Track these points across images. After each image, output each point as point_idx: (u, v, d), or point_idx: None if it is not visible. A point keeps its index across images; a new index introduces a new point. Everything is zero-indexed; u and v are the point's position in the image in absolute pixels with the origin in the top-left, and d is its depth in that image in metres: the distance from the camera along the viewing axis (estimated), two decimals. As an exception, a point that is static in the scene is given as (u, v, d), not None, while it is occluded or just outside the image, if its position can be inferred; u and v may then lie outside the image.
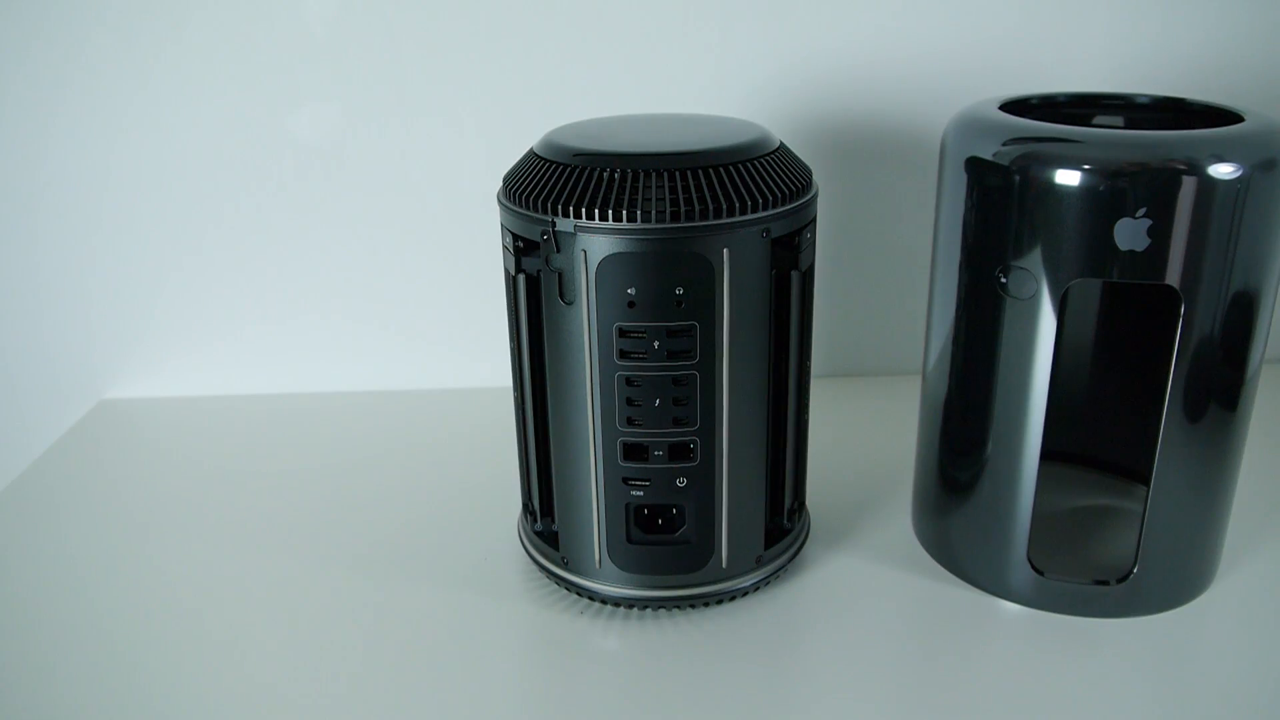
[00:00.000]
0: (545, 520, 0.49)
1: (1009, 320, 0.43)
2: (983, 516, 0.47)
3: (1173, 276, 0.41)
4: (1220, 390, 0.43)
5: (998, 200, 0.43)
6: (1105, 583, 0.46)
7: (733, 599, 0.48)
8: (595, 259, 0.41)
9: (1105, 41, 0.64)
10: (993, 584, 0.47)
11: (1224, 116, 0.45)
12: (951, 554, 0.49)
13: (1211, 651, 0.44)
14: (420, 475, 0.60)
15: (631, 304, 0.41)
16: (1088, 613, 0.46)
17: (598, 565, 0.46)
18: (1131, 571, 0.45)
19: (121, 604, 0.49)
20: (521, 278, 0.44)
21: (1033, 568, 0.46)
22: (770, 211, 0.42)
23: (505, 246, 0.45)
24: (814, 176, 0.46)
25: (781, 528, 0.49)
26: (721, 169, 0.42)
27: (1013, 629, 0.46)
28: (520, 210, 0.43)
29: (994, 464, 0.46)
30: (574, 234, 0.41)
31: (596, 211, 0.41)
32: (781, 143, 0.46)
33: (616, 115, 0.50)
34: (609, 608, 0.48)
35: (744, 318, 0.43)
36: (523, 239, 0.44)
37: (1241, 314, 0.42)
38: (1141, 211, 0.40)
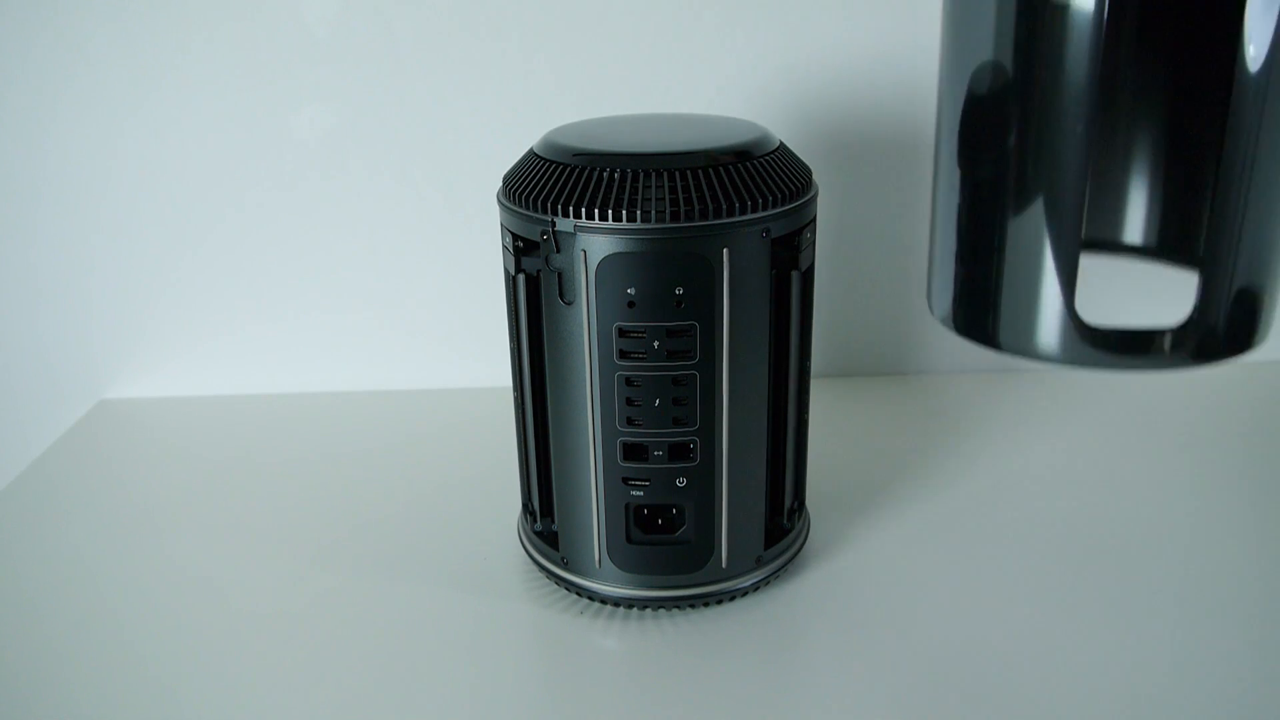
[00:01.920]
0: (545, 520, 0.49)
1: (1045, 23, 0.36)
2: (1020, 260, 0.39)
3: None
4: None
5: None
6: (1158, 335, 0.38)
7: (733, 599, 0.48)
8: (595, 259, 0.41)
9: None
10: (1026, 342, 0.40)
11: None
12: (976, 316, 0.41)
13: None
14: (420, 475, 0.60)
15: (631, 304, 0.41)
16: (1137, 366, 0.39)
17: (597, 565, 0.46)
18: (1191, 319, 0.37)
19: (121, 603, 0.49)
20: (521, 278, 0.44)
21: (1074, 316, 0.38)
22: (770, 211, 0.42)
23: (505, 246, 0.45)
24: (814, 176, 0.46)
25: (781, 528, 0.49)
26: (721, 169, 0.42)
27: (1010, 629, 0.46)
28: (520, 210, 0.43)
29: (1029, 192, 0.38)
30: (574, 234, 0.41)
31: (596, 211, 0.41)
32: (781, 143, 0.46)
33: (616, 115, 0.50)
34: (609, 608, 0.48)
35: (744, 318, 0.43)
36: (523, 239, 0.44)
37: None
38: None
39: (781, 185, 0.42)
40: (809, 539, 0.52)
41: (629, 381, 0.43)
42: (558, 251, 0.42)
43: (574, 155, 0.42)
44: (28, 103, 0.64)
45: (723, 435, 0.44)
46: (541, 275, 0.43)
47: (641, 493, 0.45)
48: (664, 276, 0.41)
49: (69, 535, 0.55)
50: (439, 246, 0.68)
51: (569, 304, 0.42)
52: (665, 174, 0.41)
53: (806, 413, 0.49)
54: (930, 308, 0.45)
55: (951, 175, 0.42)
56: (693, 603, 0.47)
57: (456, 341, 0.70)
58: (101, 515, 0.57)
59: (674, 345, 0.42)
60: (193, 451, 0.64)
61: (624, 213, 0.40)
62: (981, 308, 0.41)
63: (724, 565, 0.46)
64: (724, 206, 0.41)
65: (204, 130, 0.65)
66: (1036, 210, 0.38)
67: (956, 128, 0.40)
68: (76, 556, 0.53)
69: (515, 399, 0.48)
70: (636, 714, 0.42)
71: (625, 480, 0.45)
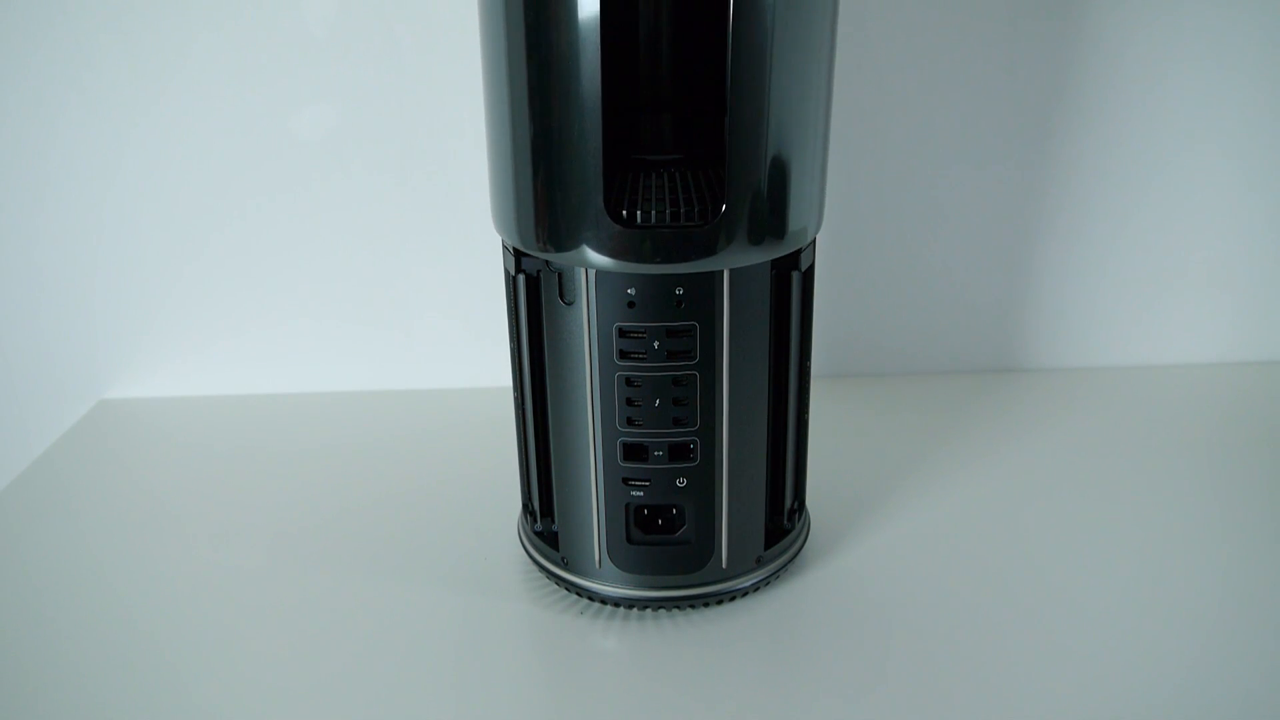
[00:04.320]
0: (545, 520, 0.49)
1: None
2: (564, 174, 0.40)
3: None
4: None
5: None
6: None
7: (733, 599, 0.48)
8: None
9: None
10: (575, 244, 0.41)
11: None
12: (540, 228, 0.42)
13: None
14: (420, 475, 0.60)
15: (631, 304, 0.41)
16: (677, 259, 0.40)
17: (597, 565, 0.46)
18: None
19: (122, 603, 0.49)
20: (521, 278, 0.44)
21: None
22: (770, 211, 0.42)
23: (505, 246, 0.45)
24: (814, 176, 0.46)
25: (781, 528, 0.49)
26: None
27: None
28: (520, 210, 0.43)
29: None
30: (574, 234, 0.41)
31: (596, 211, 0.40)
32: (781, 143, 0.46)
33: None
34: (609, 608, 0.48)
35: (744, 318, 0.43)
36: (523, 239, 0.43)
37: None
38: None
39: (781, 185, 0.42)
40: (809, 539, 0.52)
41: (629, 382, 0.43)
42: (558, 251, 0.42)
43: (574, 155, 0.42)
44: (29, 103, 0.64)
45: (723, 435, 0.44)
46: (541, 275, 0.43)
47: (641, 493, 0.45)
48: (664, 276, 0.41)
49: (69, 535, 0.55)
50: (439, 246, 0.68)
51: (569, 304, 0.42)
52: (665, 174, 0.41)
53: (807, 413, 0.49)
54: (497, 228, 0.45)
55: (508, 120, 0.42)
56: (693, 603, 0.47)
57: (456, 341, 0.70)
58: (102, 515, 0.57)
59: (674, 345, 0.42)
60: (193, 451, 0.64)
61: (624, 213, 0.40)
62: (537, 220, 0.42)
63: (724, 565, 0.46)
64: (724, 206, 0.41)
65: (204, 131, 0.65)
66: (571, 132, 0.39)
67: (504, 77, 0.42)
68: (77, 556, 0.53)
69: (515, 399, 0.48)
70: (636, 714, 0.42)
71: (625, 480, 0.45)
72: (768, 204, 0.41)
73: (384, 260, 0.68)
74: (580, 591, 0.48)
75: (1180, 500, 0.56)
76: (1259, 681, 0.43)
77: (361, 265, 0.68)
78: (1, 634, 0.47)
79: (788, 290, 0.44)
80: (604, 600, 0.47)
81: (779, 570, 0.49)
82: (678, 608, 0.47)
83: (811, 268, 0.46)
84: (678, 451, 0.44)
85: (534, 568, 0.50)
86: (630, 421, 0.44)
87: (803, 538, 0.51)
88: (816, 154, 0.42)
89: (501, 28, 0.40)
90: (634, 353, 0.42)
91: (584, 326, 0.42)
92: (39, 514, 0.57)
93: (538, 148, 0.40)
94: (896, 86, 0.64)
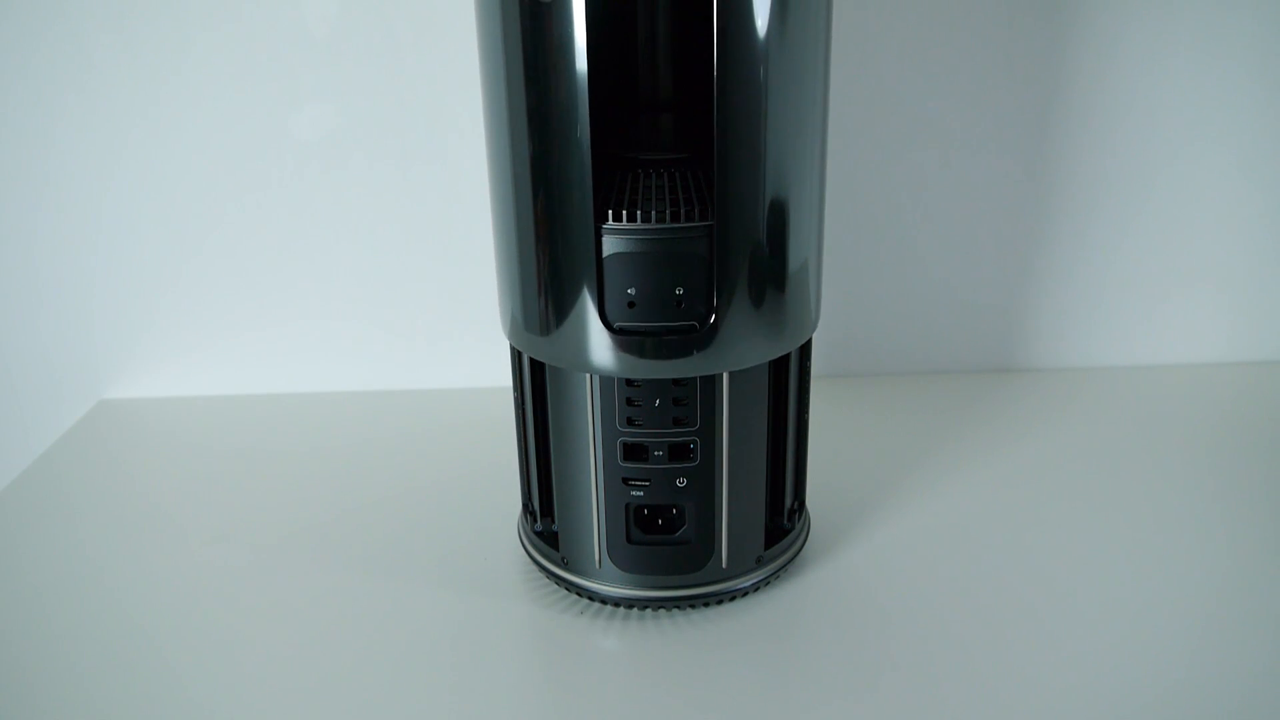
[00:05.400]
0: (545, 520, 0.49)
1: None
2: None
3: None
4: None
5: None
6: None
7: (733, 599, 0.48)
8: (595, 259, 0.41)
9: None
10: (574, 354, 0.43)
11: None
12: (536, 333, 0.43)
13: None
14: (420, 475, 0.60)
15: (631, 304, 0.41)
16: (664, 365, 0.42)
17: (598, 565, 0.46)
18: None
19: (121, 603, 0.49)
20: (521, 278, 0.44)
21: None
22: (770, 211, 0.42)
23: (505, 246, 0.45)
24: (814, 176, 0.46)
25: (782, 528, 0.49)
26: (721, 169, 0.42)
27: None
28: (520, 210, 0.43)
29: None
30: (574, 234, 0.41)
31: (596, 212, 0.41)
32: (781, 143, 0.46)
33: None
34: (609, 608, 0.48)
35: (744, 318, 0.43)
36: (523, 239, 0.43)
37: None
38: None
39: (781, 185, 0.42)
40: (809, 539, 0.52)
41: (629, 382, 0.43)
42: (558, 252, 0.42)
43: (574, 155, 0.42)
44: (29, 103, 0.64)
45: (723, 435, 0.44)
46: (541, 275, 0.43)
47: (641, 493, 0.45)
48: (664, 276, 0.41)
49: (69, 535, 0.55)
50: (439, 246, 0.68)
51: (569, 304, 0.42)
52: (666, 174, 0.41)
53: (807, 413, 0.49)
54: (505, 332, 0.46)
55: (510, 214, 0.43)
56: (693, 603, 0.47)
57: (456, 341, 0.70)
58: (102, 515, 0.57)
59: (674, 345, 0.42)
60: (193, 451, 0.64)
61: (624, 213, 0.40)
62: (534, 326, 0.44)
63: (724, 565, 0.46)
64: (724, 206, 0.41)
65: (204, 130, 0.65)
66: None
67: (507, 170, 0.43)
68: (77, 556, 0.53)
69: (515, 399, 0.48)
70: (636, 714, 0.42)
71: (625, 480, 0.45)
72: (765, 308, 0.42)
73: (383, 260, 0.68)
74: (580, 591, 0.48)
75: (1180, 500, 0.56)
76: (1258, 681, 0.43)
77: (361, 265, 0.68)
78: (1, 634, 0.47)
79: (788, 290, 0.44)
80: (604, 600, 0.47)
81: (779, 570, 0.49)
82: (678, 608, 0.47)
83: (811, 268, 0.46)
84: (678, 451, 0.44)
85: (534, 568, 0.50)
86: (630, 421, 0.43)
87: (803, 538, 0.51)
88: (813, 257, 0.43)
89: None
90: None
91: (584, 326, 0.42)
92: (39, 514, 0.57)
93: (540, 261, 0.42)
94: (897, 86, 0.64)
